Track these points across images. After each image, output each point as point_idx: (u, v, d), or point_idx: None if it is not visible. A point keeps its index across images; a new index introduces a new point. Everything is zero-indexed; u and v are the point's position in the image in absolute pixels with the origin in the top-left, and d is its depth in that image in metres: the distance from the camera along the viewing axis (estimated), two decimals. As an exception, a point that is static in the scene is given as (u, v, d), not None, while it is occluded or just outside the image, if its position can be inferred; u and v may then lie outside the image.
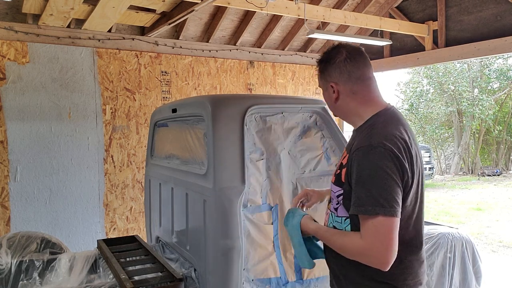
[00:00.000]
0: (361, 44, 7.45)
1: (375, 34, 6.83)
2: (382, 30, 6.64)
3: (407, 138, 1.53)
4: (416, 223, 1.60)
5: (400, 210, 1.46)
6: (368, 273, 1.56)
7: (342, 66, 1.63)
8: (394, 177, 1.45)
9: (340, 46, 1.68)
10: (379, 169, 1.44)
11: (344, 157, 1.65)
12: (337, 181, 1.65)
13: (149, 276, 2.55)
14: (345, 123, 7.68)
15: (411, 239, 1.59)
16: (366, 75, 1.65)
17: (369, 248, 1.45)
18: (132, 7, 4.91)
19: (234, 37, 6.34)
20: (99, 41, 5.24)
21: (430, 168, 14.04)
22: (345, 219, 1.63)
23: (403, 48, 6.93)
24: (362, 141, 1.53)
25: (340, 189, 1.62)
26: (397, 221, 1.45)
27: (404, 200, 1.51)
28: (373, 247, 1.44)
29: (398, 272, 1.56)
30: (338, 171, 1.66)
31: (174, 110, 3.03)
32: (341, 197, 1.61)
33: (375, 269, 1.50)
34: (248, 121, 2.51)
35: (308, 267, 1.81)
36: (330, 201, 1.77)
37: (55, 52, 4.93)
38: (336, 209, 1.68)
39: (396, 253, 1.46)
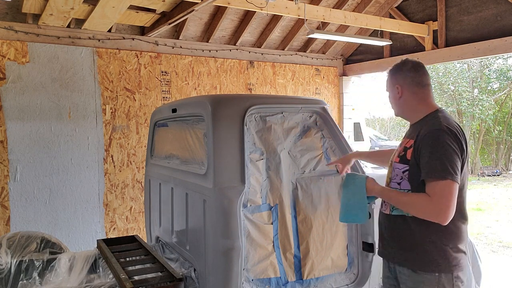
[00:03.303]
0: (361, 44, 7.46)
1: (375, 34, 6.83)
2: (382, 30, 6.63)
3: (461, 128, 2.01)
4: (464, 196, 1.99)
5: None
6: (423, 235, 1.96)
7: (408, 73, 2.13)
8: (458, 153, 1.89)
9: (407, 59, 2.18)
10: (448, 146, 1.88)
11: (407, 142, 2.09)
12: (402, 160, 2.07)
13: (149, 276, 2.55)
14: (344, 123, 7.69)
15: (461, 209, 1.97)
16: (424, 82, 2.14)
17: (436, 205, 1.84)
18: (132, 7, 4.92)
19: (234, 37, 6.34)
20: (99, 41, 5.24)
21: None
22: (407, 191, 2.03)
23: (403, 48, 6.93)
24: (430, 127, 1.97)
25: (406, 165, 2.04)
26: (458, 187, 1.87)
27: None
28: (440, 204, 1.83)
29: (448, 234, 1.94)
30: (403, 153, 2.09)
31: (174, 110, 3.03)
32: (407, 172, 2.03)
33: (429, 232, 1.93)
34: (248, 121, 2.51)
35: (364, 221, 2.19)
36: (390, 181, 2.17)
37: (55, 52, 4.93)
38: (399, 183, 2.08)
39: (454, 211, 1.85)
